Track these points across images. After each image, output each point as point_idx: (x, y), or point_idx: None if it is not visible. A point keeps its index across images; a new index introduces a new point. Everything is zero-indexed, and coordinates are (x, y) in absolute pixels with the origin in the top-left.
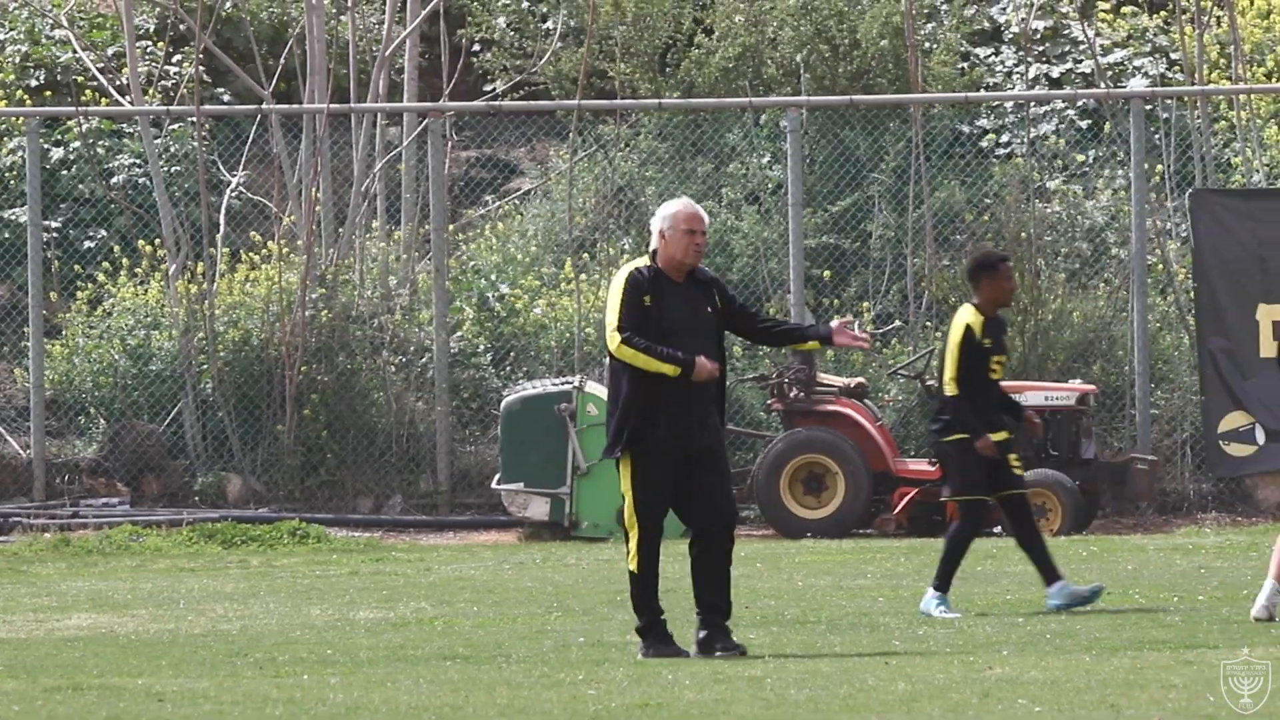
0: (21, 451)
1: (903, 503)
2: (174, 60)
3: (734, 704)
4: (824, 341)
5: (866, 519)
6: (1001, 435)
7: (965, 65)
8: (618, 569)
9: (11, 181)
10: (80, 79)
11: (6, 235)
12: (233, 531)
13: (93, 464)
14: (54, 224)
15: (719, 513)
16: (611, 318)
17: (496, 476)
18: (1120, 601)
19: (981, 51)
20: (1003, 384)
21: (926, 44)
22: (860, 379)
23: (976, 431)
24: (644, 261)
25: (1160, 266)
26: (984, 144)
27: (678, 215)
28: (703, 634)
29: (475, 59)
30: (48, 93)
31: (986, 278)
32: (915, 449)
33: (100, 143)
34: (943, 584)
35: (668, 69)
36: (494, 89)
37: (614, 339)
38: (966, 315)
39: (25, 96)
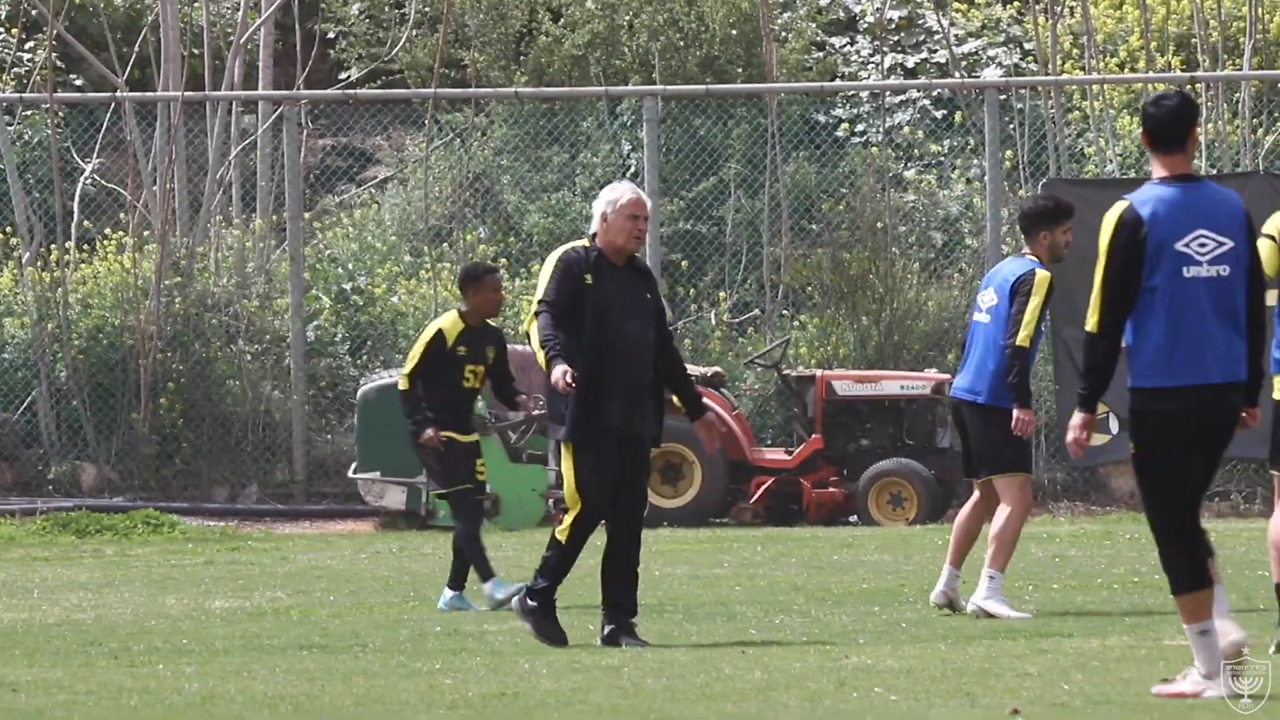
0: None
1: (759, 492)
2: (26, 46)
3: (591, 693)
4: (690, 416)
5: (723, 508)
6: (472, 437)
7: (820, 54)
8: None
9: None
10: None
11: None
12: (87, 521)
13: None
14: None
15: (637, 501)
16: (538, 292)
17: (353, 465)
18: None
19: (837, 41)
20: (858, 373)
21: (781, 33)
22: (717, 368)
23: (424, 424)
24: (583, 243)
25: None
26: (839, 133)
27: (621, 200)
28: (608, 629)
29: (331, 50)
30: None
31: (473, 288)
32: (771, 438)
33: None
34: (457, 582)
35: (522, 57)
36: (349, 77)
37: (531, 310)
38: (443, 320)
39: None
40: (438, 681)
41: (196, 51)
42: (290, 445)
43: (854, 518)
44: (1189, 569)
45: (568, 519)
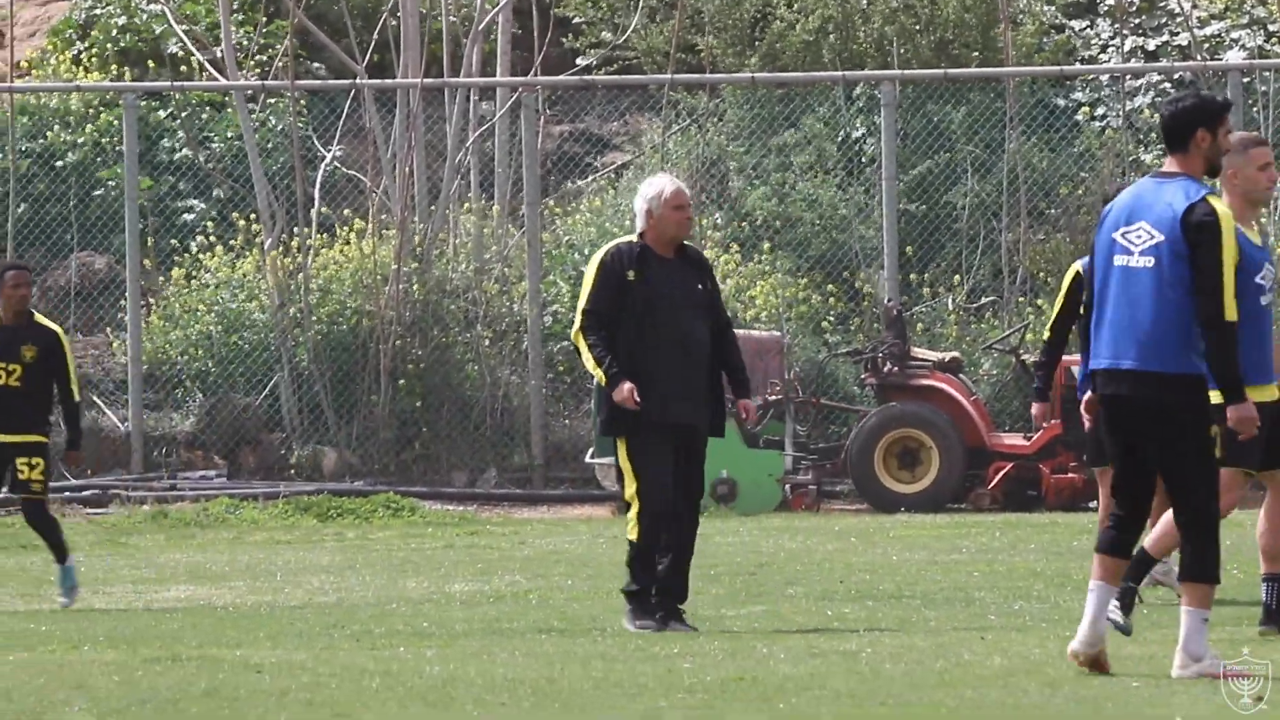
0: (120, 424)
1: (997, 477)
2: (267, 34)
3: (829, 678)
4: (733, 395)
5: (961, 493)
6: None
7: (1058, 37)
8: (712, 543)
9: (110, 148)
10: (179, 52)
11: (105, 204)
12: (328, 504)
13: (190, 437)
14: (145, 187)
15: (691, 488)
16: (580, 301)
17: (590, 450)
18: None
19: (1077, 24)
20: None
21: (1019, 16)
22: (955, 353)
23: None
24: (630, 239)
25: None
26: (1079, 117)
27: (664, 193)
28: (658, 614)
29: (567, 36)
30: (149, 62)
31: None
32: (1010, 424)
33: (200, 114)
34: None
35: (756, 42)
36: (586, 63)
37: (575, 324)
38: None
39: (121, 69)
40: (676, 665)
41: (436, 39)
42: (528, 430)
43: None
44: (1101, 534)
45: (631, 516)
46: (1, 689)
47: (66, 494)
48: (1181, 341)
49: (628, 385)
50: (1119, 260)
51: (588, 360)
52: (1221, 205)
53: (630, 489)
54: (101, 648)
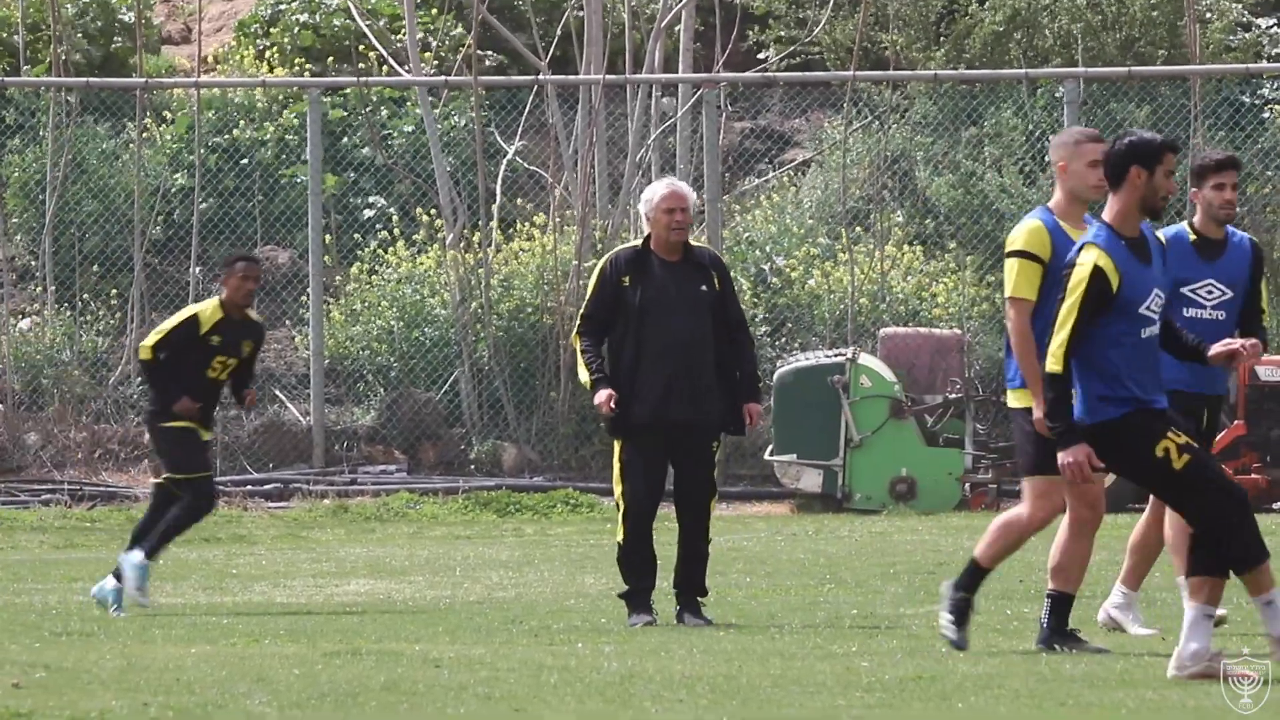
0: (301, 418)
1: None
2: (451, 28)
3: (1009, 678)
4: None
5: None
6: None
7: (1246, 35)
8: (891, 541)
9: (293, 144)
10: (362, 47)
11: (289, 199)
12: (508, 500)
13: (370, 431)
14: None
15: (697, 486)
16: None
17: (769, 448)
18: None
19: (1264, 21)
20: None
21: (1205, 13)
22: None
23: (168, 413)
24: (634, 244)
25: None
26: (1265, 114)
27: (657, 197)
28: (676, 608)
29: (750, 31)
30: (329, 59)
31: (225, 275)
32: None
33: (382, 108)
34: (152, 553)
35: (941, 37)
36: (768, 59)
37: (574, 328)
38: (203, 305)
39: (305, 64)
40: (854, 664)
41: (618, 35)
42: None
43: (1278, 505)
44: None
45: (619, 517)
46: (184, 681)
47: (249, 487)
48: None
49: (605, 392)
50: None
51: (579, 365)
52: (1087, 257)
53: (618, 490)
54: (282, 641)
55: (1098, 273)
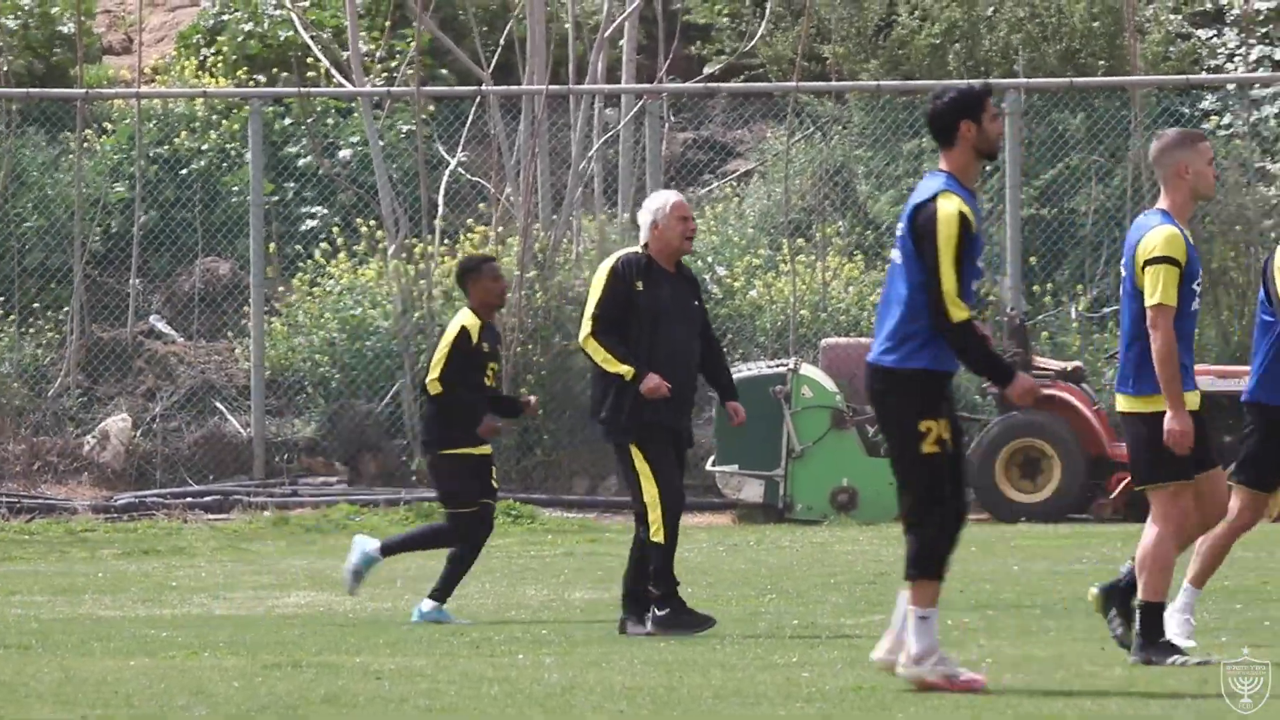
0: (242, 430)
1: (1119, 488)
2: (395, 39)
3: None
4: (722, 397)
5: (1082, 503)
6: (485, 450)
7: (1184, 45)
8: (832, 552)
9: (235, 154)
10: (307, 58)
11: (230, 210)
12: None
13: (311, 443)
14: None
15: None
16: (589, 307)
17: (711, 459)
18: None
19: (1203, 33)
20: (1221, 367)
21: (1145, 25)
22: (1077, 363)
23: (450, 439)
24: (635, 249)
25: None
26: (1205, 126)
27: (670, 204)
28: (622, 618)
29: (694, 45)
30: (275, 69)
31: (471, 280)
32: None
33: (326, 119)
34: (442, 594)
35: (880, 49)
36: (710, 70)
37: (584, 329)
38: (463, 318)
39: (248, 75)
40: (795, 675)
41: (561, 45)
42: None
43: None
44: None
45: (655, 517)
46: (123, 694)
47: (189, 499)
48: (905, 334)
49: (655, 378)
50: (891, 254)
51: (606, 361)
52: (949, 204)
53: (651, 492)
54: (222, 653)
55: (964, 219)
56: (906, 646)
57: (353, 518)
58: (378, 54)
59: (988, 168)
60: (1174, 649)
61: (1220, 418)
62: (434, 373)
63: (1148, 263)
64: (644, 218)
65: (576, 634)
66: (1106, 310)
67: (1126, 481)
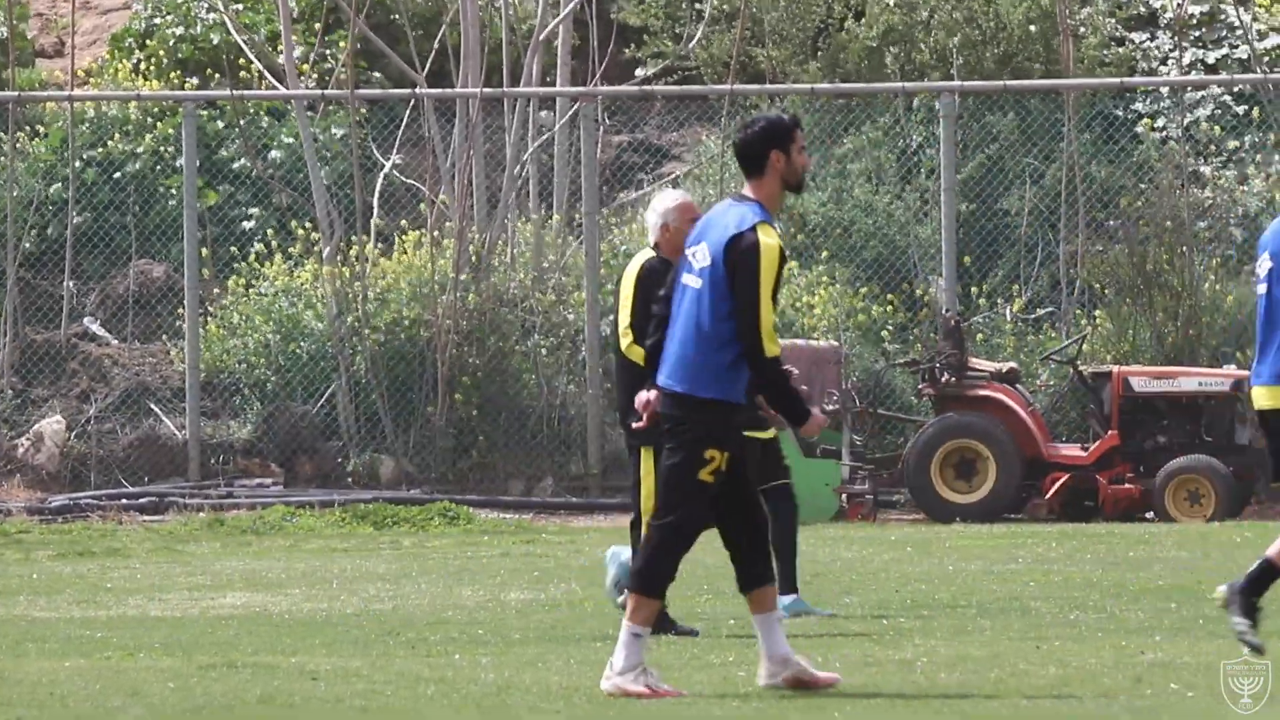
0: (177, 432)
1: (1054, 488)
2: (327, 42)
3: (884, 687)
4: None
5: (1017, 504)
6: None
7: (1119, 49)
8: None
9: (168, 156)
10: (240, 60)
11: (164, 213)
12: (385, 513)
13: (247, 445)
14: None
15: None
16: (624, 316)
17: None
18: (1274, 589)
19: (1136, 36)
20: (1155, 369)
21: (1080, 29)
22: (1012, 364)
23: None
24: (650, 254)
25: None
26: (1139, 129)
27: (680, 206)
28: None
29: (625, 50)
30: (208, 71)
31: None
32: (1067, 435)
33: (259, 122)
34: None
35: (819, 51)
36: (645, 73)
37: (625, 339)
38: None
39: (181, 78)
40: (731, 674)
41: (495, 48)
42: (585, 439)
43: (1150, 514)
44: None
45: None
46: (58, 695)
47: (124, 501)
48: (703, 364)
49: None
50: (685, 279)
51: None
52: (770, 237)
53: (652, 499)
54: (157, 654)
55: (782, 254)
56: (613, 658)
57: (288, 519)
58: (311, 57)
59: (922, 170)
60: None
61: (1154, 420)
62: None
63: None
64: (652, 219)
65: (513, 634)
66: (1042, 312)
67: (1062, 482)
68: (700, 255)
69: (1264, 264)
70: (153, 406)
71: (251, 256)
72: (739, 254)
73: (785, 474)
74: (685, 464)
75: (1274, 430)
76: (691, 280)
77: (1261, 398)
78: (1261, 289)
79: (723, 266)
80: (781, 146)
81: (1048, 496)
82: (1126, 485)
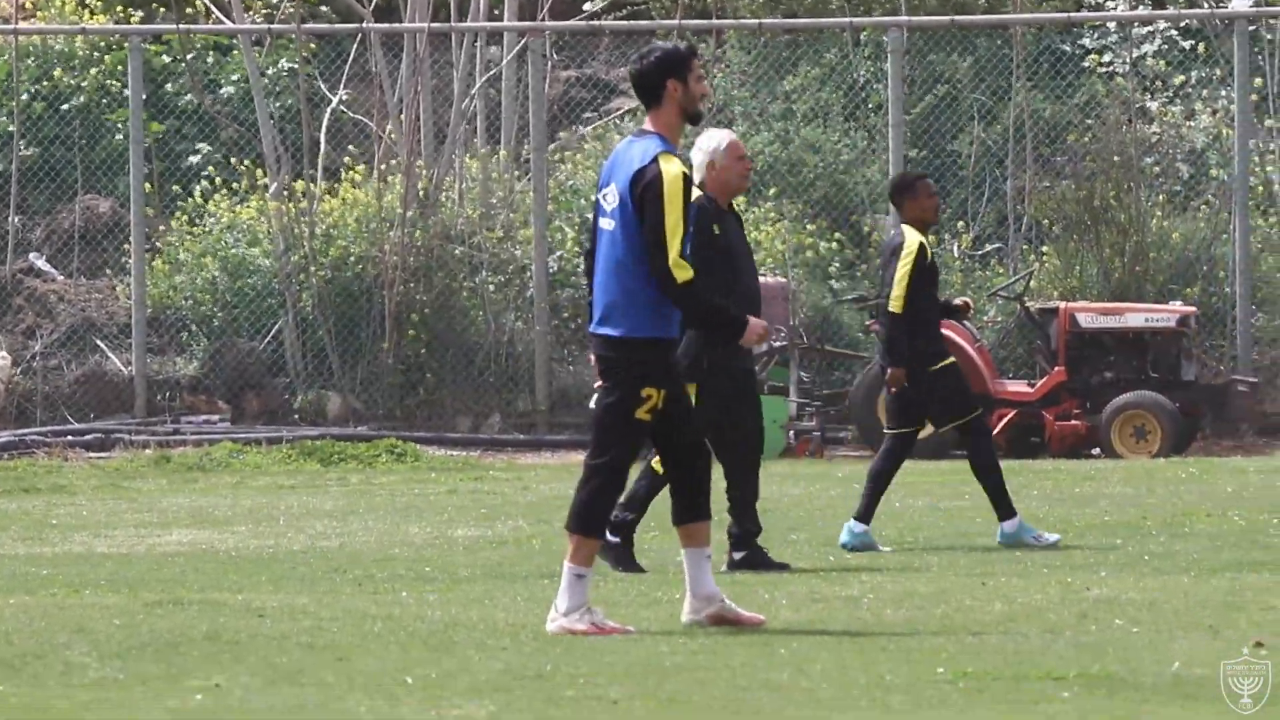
0: (123, 368)
1: (1001, 424)
2: None
3: (830, 623)
4: None
5: (964, 440)
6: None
7: None
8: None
9: (114, 90)
10: None
11: (110, 147)
12: (332, 449)
13: (193, 381)
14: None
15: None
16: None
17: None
18: (1220, 524)
19: None
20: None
21: None
22: (965, 298)
23: (940, 355)
24: (697, 192)
25: (1261, 188)
26: (1086, 64)
27: (728, 145)
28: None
29: None
30: (154, 4)
31: (909, 197)
32: (1014, 371)
33: (205, 57)
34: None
35: None
36: (593, 8)
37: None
38: (913, 236)
39: (127, 11)
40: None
41: None
42: (533, 376)
43: (1097, 450)
44: None
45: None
46: (2, 631)
47: (69, 438)
48: (633, 303)
49: (759, 321)
50: (601, 223)
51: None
52: (673, 165)
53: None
54: (103, 591)
55: (687, 179)
56: (557, 600)
57: (235, 455)
58: None
59: (869, 105)
60: None
61: (1100, 356)
62: (898, 289)
63: None
64: (698, 158)
65: (460, 572)
66: (989, 248)
67: (1009, 418)
68: (610, 197)
69: None
70: (99, 343)
71: (197, 193)
72: (644, 187)
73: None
74: (622, 403)
75: None
76: (606, 223)
77: None
78: None
79: (631, 203)
80: (678, 75)
81: (995, 433)
82: (1073, 421)
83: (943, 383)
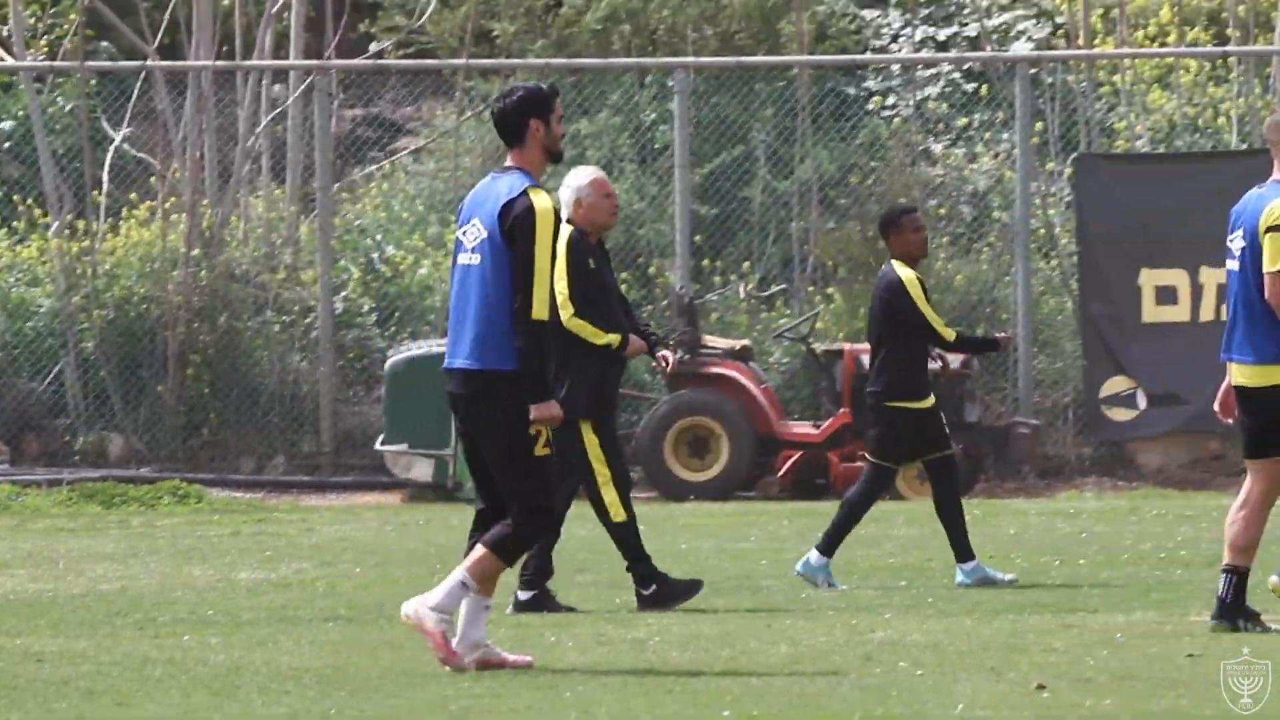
0: None
1: (786, 466)
2: (55, 13)
3: (616, 665)
4: (650, 350)
5: (750, 481)
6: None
7: (850, 26)
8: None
9: None
10: None
11: None
12: (113, 491)
13: None
14: None
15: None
16: (560, 285)
17: (380, 437)
18: (1001, 565)
19: (868, 14)
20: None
21: (815, 5)
22: (745, 341)
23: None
24: (569, 228)
25: (1043, 231)
26: (870, 106)
27: (594, 182)
28: (532, 595)
29: (363, 22)
30: None
31: (893, 232)
32: (799, 412)
33: None
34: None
35: (549, 29)
36: (380, 47)
37: (565, 311)
38: (905, 272)
39: None
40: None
41: (228, 20)
42: (317, 417)
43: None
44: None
45: (612, 498)
46: None
47: None
48: (500, 338)
49: (637, 339)
50: (460, 258)
51: (594, 335)
52: (542, 199)
53: (604, 473)
54: None
55: (557, 214)
56: (433, 593)
57: (14, 498)
58: (40, 27)
59: (656, 147)
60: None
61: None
62: (935, 323)
63: (1270, 229)
64: (566, 195)
65: (243, 614)
66: (775, 289)
67: (794, 459)
68: (472, 232)
69: (1237, 241)
70: None
71: None
72: (515, 218)
73: (946, 445)
74: (510, 449)
75: (1256, 408)
76: (469, 259)
77: (1243, 375)
78: (1234, 265)
79: (499, 236)
80: (540, 115)
81: (780, 474)
82: (858, 463)
83: (916, 421)
